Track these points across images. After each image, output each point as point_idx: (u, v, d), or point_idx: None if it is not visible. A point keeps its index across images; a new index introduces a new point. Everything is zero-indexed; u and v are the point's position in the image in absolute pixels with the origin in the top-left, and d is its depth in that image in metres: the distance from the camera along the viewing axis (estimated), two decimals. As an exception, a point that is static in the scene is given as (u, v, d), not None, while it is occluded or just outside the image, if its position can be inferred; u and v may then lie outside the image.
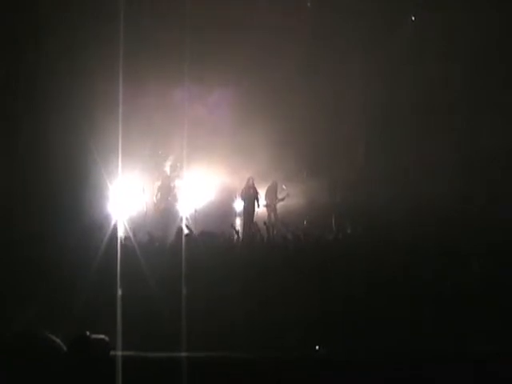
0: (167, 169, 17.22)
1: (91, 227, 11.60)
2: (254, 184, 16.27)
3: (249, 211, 15.99)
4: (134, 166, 15.82)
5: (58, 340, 4.13)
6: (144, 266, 9.40)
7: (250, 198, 16.10)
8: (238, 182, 16.98)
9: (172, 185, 16.59)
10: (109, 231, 11.38)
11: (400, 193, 15.77)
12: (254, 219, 15.73)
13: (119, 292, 8.20)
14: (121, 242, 10.91)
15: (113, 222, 12.38)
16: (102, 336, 4.25)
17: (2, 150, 13.80)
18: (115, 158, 13.75)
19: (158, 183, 16.81)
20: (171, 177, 16.93)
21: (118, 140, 13.46)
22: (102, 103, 14.47)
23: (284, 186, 17.25)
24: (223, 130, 17.52)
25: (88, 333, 4.22)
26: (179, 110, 17.19)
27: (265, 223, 12.92)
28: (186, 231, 11.82)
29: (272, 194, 16.76)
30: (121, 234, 11.66)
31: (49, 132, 13.97)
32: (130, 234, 11.15)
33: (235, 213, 16.99)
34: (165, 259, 10.08)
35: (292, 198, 16.99)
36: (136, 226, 12.30)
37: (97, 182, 14.16)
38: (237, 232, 14.33)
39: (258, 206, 16.20)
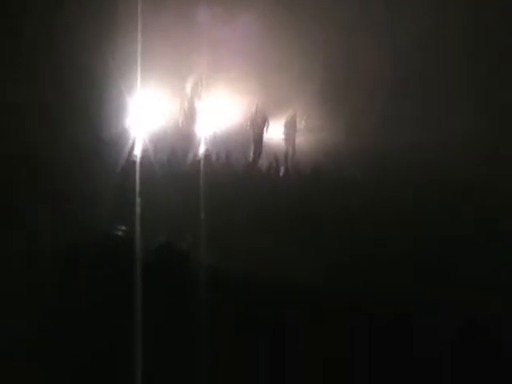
0: (188, 89, 16.94)
1: (110, 142, 11.61)
2: (262, 110, 16.06)
3: (256, 140, 15.89)
4: (154, 82, 15.67)
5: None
6: (163, 186, 9.47)
7: (258, 125, 15.96)
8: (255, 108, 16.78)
9: (192, 106, 16.43)
10: (128, 147, 11.41)
11: (420, 139, 15.63)
12: (272, 150, 15.69)
13: (138, 209, 8.25)
14: (140, 159, 10.97)
15: (132, 139, 12.41)
16: (185, 245, 4.32)
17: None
18: (134, 73, 13.63)
19: (179, 103, 16.65)
20: (192, 97, 16.69)
21: (137, 54, 13.31)
22: (123, 19, 14.20)
23: (303, 120, 17.11)
24: (245, 54, 17.20)
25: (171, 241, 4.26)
26: (201, 29, 16.86)
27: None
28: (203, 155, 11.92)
29: (291, 126, 16.63)
30: (140, 151, 11.70)
31: (66, 44, 13.75)
32: (150, 152, 11.17)
33: (249, 140, 16.86)
34: (183, 181, 10.16)
35: (311, 133, 16.89)
36: (155, 145, 12.28)
37: (115, 95, 14.05)
38: (252, 161, 14.40)
39: (267, 132, 15.99)
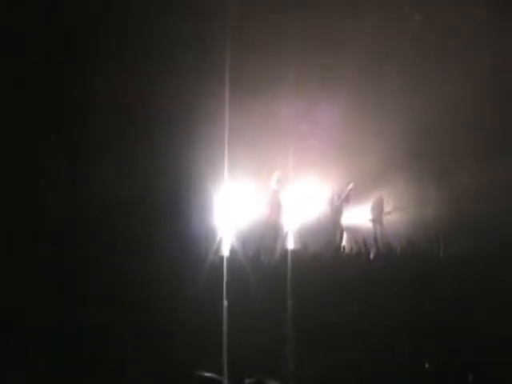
0: (273, 183, 16.97)
1: (196, 238, 11.74)
2: (347, 196, 16.23)
3: (342, 226, 16.04)
4: (240, 179, 15.96)
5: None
6: (251, 281, 9.45)
7: (343, 212, 16.26)
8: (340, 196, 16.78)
9: (278, 199, 16.53)
10: (214, 243, 11.52)
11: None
12: (361, 233, 15.59)
13: (225, 307, 8.22)
14: (227, 255, 11.04)
15: (218, 235, 12.54)
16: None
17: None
18: (221, 171, 13.92)
19: (265, 197, 16.81)
20: (277, 191, 16.72)
21: (224, 152, 13.61)
22: (209, 117, 14.55)
23: (390, 200, 16.95)
24: (328, 146, 17.29)
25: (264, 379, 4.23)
26: (284, 124, 17.10)
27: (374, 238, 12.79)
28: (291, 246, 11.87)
29: (378, 207, 16.56)
30: (227, 247, 11.79)
31: (159, 139, 14.06)
32: (237, 248, 11.24)
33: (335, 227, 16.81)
34: (272, 275, 10.11)
35: (398, 212, 16.67)
36: (242, 240, 12.39)
37: (202, 194, 14.31)
38: (340, 247, 14.28)
39: (354, 217, 16.16)
